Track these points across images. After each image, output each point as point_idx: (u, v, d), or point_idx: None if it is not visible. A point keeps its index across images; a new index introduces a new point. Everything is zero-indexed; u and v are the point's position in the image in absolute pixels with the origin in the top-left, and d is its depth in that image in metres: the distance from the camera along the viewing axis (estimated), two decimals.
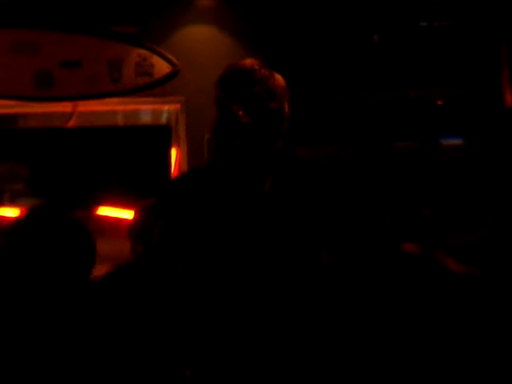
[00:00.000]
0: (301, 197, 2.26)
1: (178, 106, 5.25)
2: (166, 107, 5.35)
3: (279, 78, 2.34)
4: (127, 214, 5.09)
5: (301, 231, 2.24)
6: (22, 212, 2.37)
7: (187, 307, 2.28)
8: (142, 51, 5.02)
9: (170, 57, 5.04)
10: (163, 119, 5.41)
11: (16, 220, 2.34)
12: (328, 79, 5.08)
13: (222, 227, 2.23)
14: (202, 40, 5.21)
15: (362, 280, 2.49)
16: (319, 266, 2.29)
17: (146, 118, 5.46)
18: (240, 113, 2.25)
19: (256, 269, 2.21)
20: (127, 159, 5.51)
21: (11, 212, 5.48)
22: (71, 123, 5.15)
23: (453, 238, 5.19)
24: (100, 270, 3.66)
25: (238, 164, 2.29)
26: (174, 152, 5.36)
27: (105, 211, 5.30)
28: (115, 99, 5.07)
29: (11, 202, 5.70)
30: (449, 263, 3.50)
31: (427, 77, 5.12)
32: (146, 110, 5.42)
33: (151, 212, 3.55)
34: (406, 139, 5.28)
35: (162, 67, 5.04)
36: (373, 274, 2.51)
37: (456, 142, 5.46)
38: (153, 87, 5.06)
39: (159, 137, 5.42)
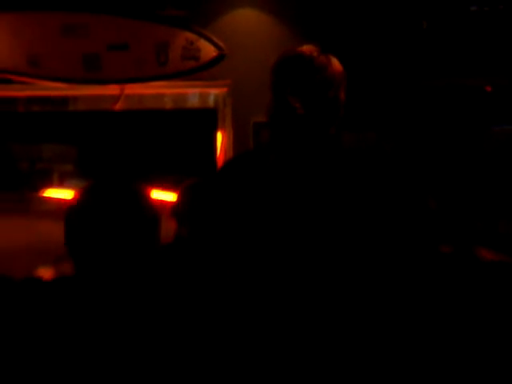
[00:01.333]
0: (350, 187, 2.23)
1: (224, 90, 5.37)
2: (212, 91, 5.46)
3: (337, 64, 2.30)
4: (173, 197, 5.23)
5: (351, 225, 2.21)
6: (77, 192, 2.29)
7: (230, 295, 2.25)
8: (189, 35, 5.10)
9: (217, 40, 5.11)
10: (209, 103, 5.51)
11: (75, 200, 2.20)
12: (373, 65, 5.11)
13: (273, 216, 2.20)
14: (249, 23, 5.30)
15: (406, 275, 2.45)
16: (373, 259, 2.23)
17: (192, 102, 5.55)
18: (297, 104, 2.23)
19: (305, 262, 2.17)
20: (174, 142, 5.64)
21: (60, 193, 5.66)
22: (119, 106, 5.30)
23: (502, 225, 5.23)
24: None
25: (292, 152, 2.27)
26: (219, 135, 5.48)
27: (152, 194, 5.44)
28: (162, 82, 5.19)
29: (60, 182, 5.87)
30: (482, 252, 3.54)
31: (477, 63, 5.11)
32: (193, 94, 5.51)
33: (195, 192, 3.66)
34: (455, 126, 5.28)
35: (208, 51, 5.12)
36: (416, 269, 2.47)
37: (508, 128, 5.43)
38: (199, 71, 5.13)
39: (205, 120, 5.54)
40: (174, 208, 3.67)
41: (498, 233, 5.18)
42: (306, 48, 2.32)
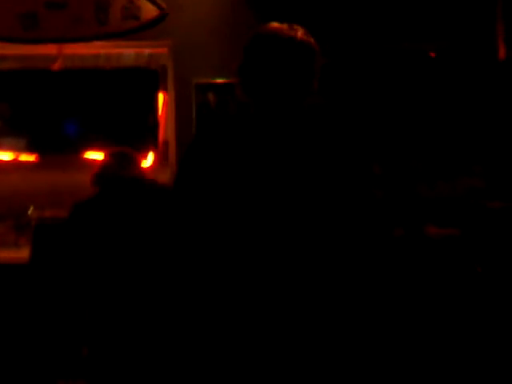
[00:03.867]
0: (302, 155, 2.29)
1: (165, 50, 5.42)
2: (153, 51, 5.49)
3: (315, 47, 2.35)
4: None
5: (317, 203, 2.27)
6: None
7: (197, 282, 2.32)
8: None
9: (158, 0, 5.17)
10: (150, 63, 5.55)
11: None
12: (316, 29, 5.19)
13: (244, 191, 2.26)
14: None
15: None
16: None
17: (132, 62, 5.54)
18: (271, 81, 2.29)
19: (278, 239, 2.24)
20: (114, 103, 5.68)
21: None
22: (57, 65, 5.31)
23: (441, 187, 5.45)
24: None
25: (258, 126, 2.33)
26: (161, 96, 5.55)
27: (92, 155, 5.50)
28: (102, 42, 5.23)
29: None
30: (430, 230, 3.75)
31: (420, 29, 5.25)
32: (133, 54, 5.51)
33: (121, 160, 3.88)
34: (397, 93, 5.41)
35: (149, 10, 5.17)
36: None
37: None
38: (140, 30, 5.19)
39: (146, 80, 5.58)
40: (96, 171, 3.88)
41: (437, 194, 5.41)
42: (286, 29, 2.33)
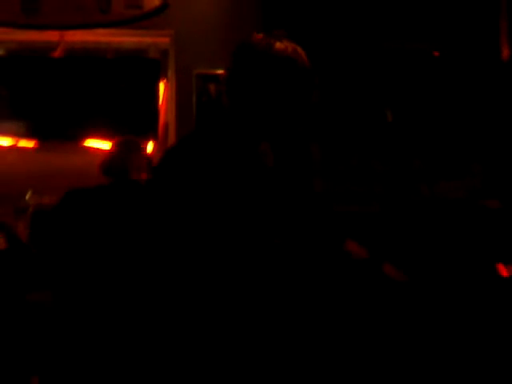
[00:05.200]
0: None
1: (167, 40, 5.47)
2: (155, 40, 5.54)
3: (309, 68, 2.29)
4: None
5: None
6: None
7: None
8: None
9: None
10: (152, 53, 5.59)
11: None
12: (318, 27, 5.20)
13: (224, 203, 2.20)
14: None
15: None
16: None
17: (134, 51, 5.58)
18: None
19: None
20: (115, 91, 5.70)
21: None
22: (58, 52, 5.32)
23: (441, 187, 5.47)
24: None
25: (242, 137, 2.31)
26: (162, 86, 5.57)
27: (91, 143, 5.53)
28: (104, 30, 5.23)
29: None
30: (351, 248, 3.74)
31: (424, 29, 5.25)
32: (135, 43, 5.56)
33: (127, 148, 3.91)
34: (399, 92, 5.41)
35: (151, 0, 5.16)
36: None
37: None
38: (142, 19, 5.18)
39: (148, 70, 5.61)
40: (103, 160, 3.90)
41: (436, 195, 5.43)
42: (281, 48, 2.25)
